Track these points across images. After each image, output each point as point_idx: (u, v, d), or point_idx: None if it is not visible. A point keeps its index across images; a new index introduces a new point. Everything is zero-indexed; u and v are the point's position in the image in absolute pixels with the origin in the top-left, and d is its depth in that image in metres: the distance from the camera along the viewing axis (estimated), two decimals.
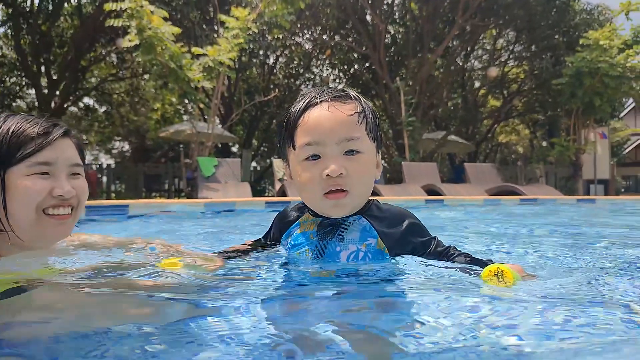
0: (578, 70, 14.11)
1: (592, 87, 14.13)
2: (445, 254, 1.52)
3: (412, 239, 1.54)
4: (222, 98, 17.06)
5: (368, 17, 19.21)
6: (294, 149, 1.50)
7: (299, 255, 1.60)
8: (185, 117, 19.90)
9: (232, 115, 17.16)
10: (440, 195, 10.89)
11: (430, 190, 11.58)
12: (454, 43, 19.79)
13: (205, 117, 17.76)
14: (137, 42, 10.41)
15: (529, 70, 21.45)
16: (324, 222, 1.57)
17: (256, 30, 12.74)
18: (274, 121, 24.47)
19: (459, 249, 1.56)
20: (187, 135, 14.57)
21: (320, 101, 1.48)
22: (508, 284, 1.21)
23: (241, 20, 11.56)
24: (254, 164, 24.87)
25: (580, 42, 14.46)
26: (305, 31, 20.74)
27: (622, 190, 19.61)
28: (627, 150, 28.71)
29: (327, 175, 1.42)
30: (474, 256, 1.50)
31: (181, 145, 19.08)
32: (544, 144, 21.61)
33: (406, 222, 1.56)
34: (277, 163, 13.26)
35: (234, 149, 24.86)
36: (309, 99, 1.50)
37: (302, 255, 1.59)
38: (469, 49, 21.78)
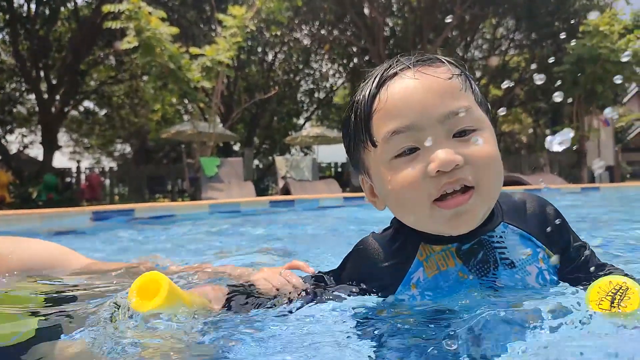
0: (579, 57, 14.00)
1: (594, 73, 14.02)
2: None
3: (563, 240, 1.12)
4: (222, 97, 17.01)
5: (366, 11, 19.11)
6: (374, 145, 1.03)
7: None
8: (185, 118, 19.88)
9: (232, 113, 17.13)
10: None
11: None
12: (454, 34, 19.67)
13: (206, 116, 17.75)
14: (135, 43, 10.38)
15: (530, 58, 21.32)
16: (464, 248, 1.07)
17: (254, 28, 12.69)
18: (275, 118, 24.44)
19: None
20: (189, 135, 14.55)
21: (400, 70, 1.03)
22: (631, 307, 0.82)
23: (238, 18, 11.50)
24: (256, 162, 24.85)
25: (581, 29, 14.34)
26: (303, 26, 20.65)
27: (628, 176, 19.50)
28: (631, 136, 28.55)
29: (438, 171, 0.95)
30: None
31: (183, 146, 19.07)
32: (548, 131, 21.51)
33: (551, 213, 1.13)
34: (279, 160, 13.22)
35: (236, 147, 24.85)
36: (381, 73, 1.05)
37: None
38: (468, 39, 21.66)
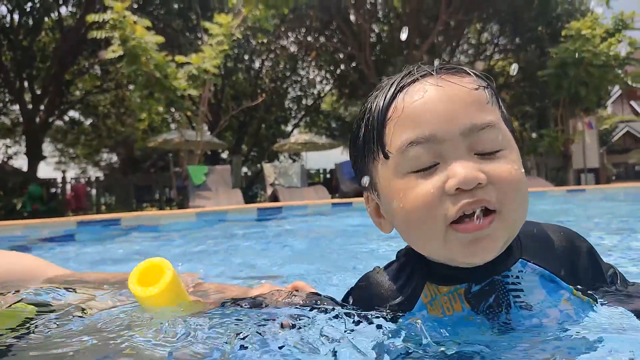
0: (562, 61, 14.21)
1: (577, 77, 14.23)
2: None
3: (594, 279, 1.00)
4: (209, 105, 16.94)
5: (352, 17, 19.22)
6: (386, 157, 0.91)
7: None
8: (173, 126, 19.79)
9: (220, 121, 17.06)
10: None
11: None
12: (439, 39, 19.85)
13: (194, 125, 17.67)
14: (121, 52, 10.32)
15: (514, 62, 21.57)
16: (474, 290, 0.94)
17: (240, 36, 12.68)
18: (263, 125, 24.42)
19: None
20: (176, 144, 14.46)
21: (421, 76, 0.92)
22: None
23: (225, 26, 11.49)
24: (244, 169, 24.78)
25: (563, 33, 14.57)
26: (290, 34, 20.71)
27: (613, 177, 19.77)
28: (615, 138, 28.98)
29: (457, 188, 0.83)
30: None
31: (170, 155, 18.96)
32: (534, 135, 21.76)
33: (581, 247, 1.01)
34: (268, 167, 13.19)
35: (224, 155, 24.76)
36: (399, 79, 0.93)
37: None
38: (454, 44, 21.87)
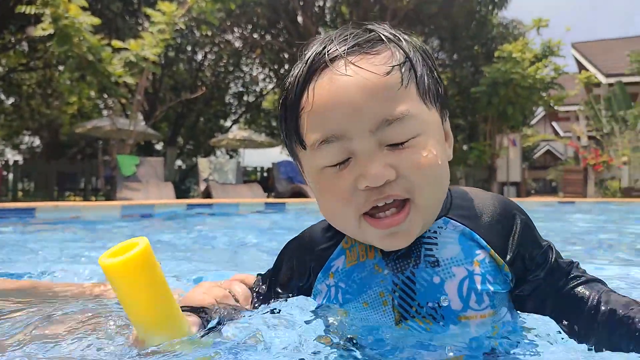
0: (494, 80, 15.04)
1: (506, 96, 15.11)
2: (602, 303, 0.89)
3: (525, 251, 0.96)
4: (146, 94, 16.33)
5: (299, 19, 19.25)
6: (304, 148, 0.93)
7: (365, 310, 0.96)
8: (105, 113, 18.87)
9: (156, 112, 16.49)
10: None
11: None
12: None
13: (127, 113, 16.95)
14: (51, 31, 9.72)
15: (451, 77, 22.53)
16: None
17: (184, 26, 12.33)
18: (201, 119, 23.87)
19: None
20: (107, 131, 13.80)
21: (331, 59, 0.88)
22: None
23: (168, 15, 11.13)
24: (179, 162, 24.09)
25: (496, 54, 15.42)
26: (235, 29, 20.40)
27: (532, 191, 21.12)
28: (537, 155, 31.03)
29: (367, 186, 0.86)
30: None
31: (100, 142, 18.09)
32: (465, 147, 22.83)
33: (516, 217, 0.99)
34: (203, 162, 12.91)
35: (158, 146, 23.95)
36: (311, 59, 0.91)
37: (373, 309, 0.95)
38: None
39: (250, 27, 20.47)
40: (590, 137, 17.64)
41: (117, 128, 12.24)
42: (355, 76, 0.86)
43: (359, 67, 0.86)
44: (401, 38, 0.93)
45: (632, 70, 16.86)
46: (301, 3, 17.85)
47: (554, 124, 30.45)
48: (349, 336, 0.93)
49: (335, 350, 0.88)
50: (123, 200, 8.57)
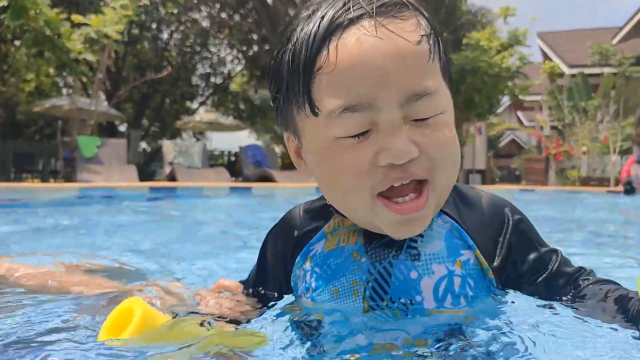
0: (461, 67, 15.18)
1: (473, 84, 15.30)
2: (587, 289, 0.88)
3: (517, 255, 0.92)
4: (108, 73, 15.76)
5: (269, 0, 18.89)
6: (315, 114, 0.81)
7: (335, 299, 0.90)
8: (65, 91, 18.13)
9: (119, 91, 15.96)
10: None
11: None
12: None
13: (89, 92, 16.35)
14: (5, 3, 9.23)
15: None
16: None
17: (148, 3, 11.90)
18: (167, 100, 23.27)
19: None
20: (66, 111, 13.28)
21: (357, 17, 0.78)
22: None
23: None
24: (143, 145, 23.50)
25: (464, 42, 15.55)
26: (202, 7, 19.87)
27: (497, 179, 21.62)
28: (502, 144, 31.73)
29: (389, 163, 0.78)
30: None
31: (59, 122, 17.41)
32: None
33: (510, 216, 0.94)
34: (167, 145, 12.61)
35: (122, 128, 23.27)
36: (332, 14, 0.79)
37: (343, 298, 0.90)
38: None
39: (218, 6, 19.96)
40: (552, 127, 18.13)
41: (77, 107, 11.80)
42: (386, 39, 0.76)
43: (389, 29, 0.77)
44: (414, 3, 0.84)
45: (594, 62, 17.36)
46: None
47: (519, 113, 31.17)
48: (314, 318, 0.89)
49: (301, 335, 0.84)
50: (84, 182, 8.29)
